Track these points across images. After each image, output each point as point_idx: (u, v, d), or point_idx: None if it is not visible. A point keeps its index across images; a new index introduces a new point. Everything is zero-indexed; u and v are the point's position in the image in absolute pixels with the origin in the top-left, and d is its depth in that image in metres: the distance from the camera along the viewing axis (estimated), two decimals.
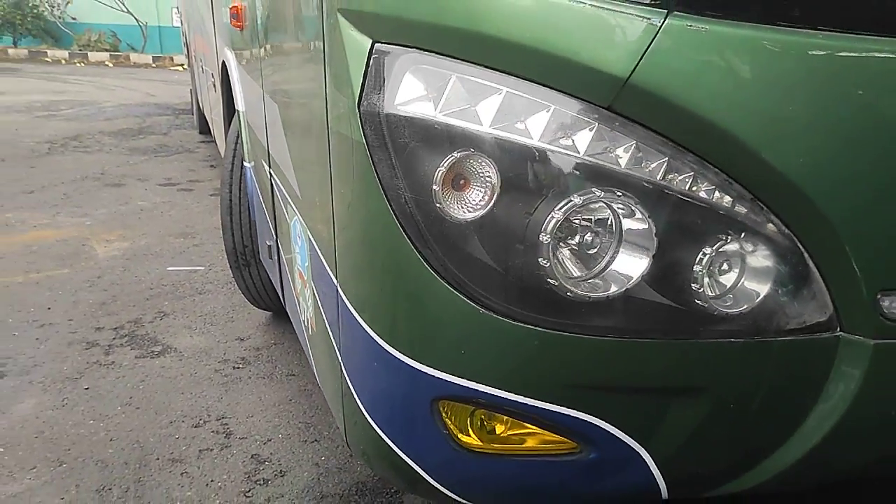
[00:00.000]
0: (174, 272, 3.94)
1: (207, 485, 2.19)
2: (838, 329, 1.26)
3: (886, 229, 1.18)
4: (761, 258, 1.20)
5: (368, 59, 1.17)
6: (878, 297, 1.23)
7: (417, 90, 1.14)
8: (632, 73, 1.06)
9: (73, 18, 18.51)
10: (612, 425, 1.26)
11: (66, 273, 3.89)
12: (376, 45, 1.17)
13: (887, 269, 1.21)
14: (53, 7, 18.37)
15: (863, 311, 1.23)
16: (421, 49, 1.14)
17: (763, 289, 1.21)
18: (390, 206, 1.17)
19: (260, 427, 2.50)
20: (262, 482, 2.21)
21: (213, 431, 2.46)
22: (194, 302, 3.54)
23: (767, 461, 1.36)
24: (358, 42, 1.19)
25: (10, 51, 17.72)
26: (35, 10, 18.12)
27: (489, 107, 1.11)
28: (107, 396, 2.67)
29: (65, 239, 4.44)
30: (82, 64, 17.14)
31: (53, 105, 10.06)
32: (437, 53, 1.13)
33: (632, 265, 1.16)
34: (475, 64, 1.11)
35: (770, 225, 1.17)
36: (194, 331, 3.23)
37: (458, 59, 1.12)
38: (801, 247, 1.19)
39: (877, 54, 1.10)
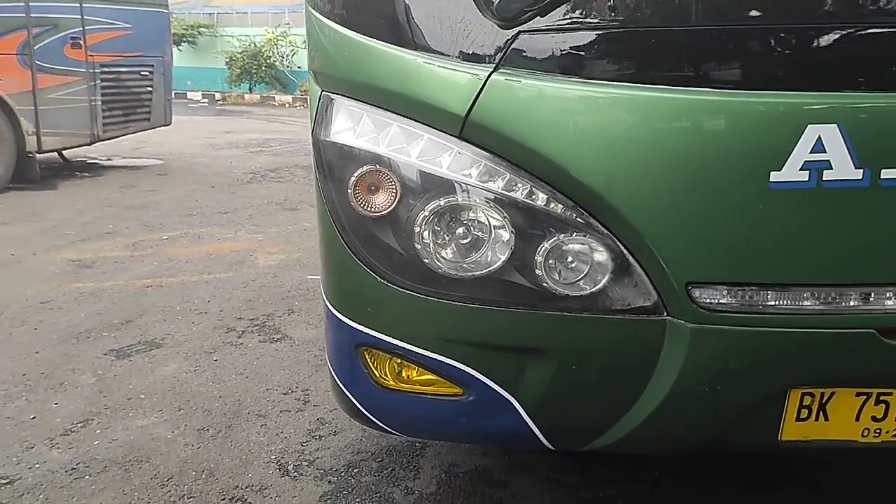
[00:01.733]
0: (311, 280, 4.67)
1: (277, 434, 2.79)
2: (665, 314, 1.58)
3: (685, 233, 1.51)
4: (588, 252, 1.56)
5: (318, 102, 1.71)
6: (689, 288, 1.54)
7: (343, 124, 1.65)
8: (469, 112, 1.50)
9: (299, 67, 20.85)
10: (482, 374, 1.67)
11: (230, 276, 4.76)
12: (323, 92, 1.70)
13: (691, 266, 1.53)
14: (283, 58, 20.85)
15: (679, 299, 1.55)
16: (347, 96, 1.65)
17: (591, 276, 1.57)
18: (326, 205, 1.69)
19: (332, 399, 3.06)
20: (317, 437, 2.77)
21: (295, 399, 3.08)
22: (318, 304, 4.23)
23: (620, 422, 1.68)
24: (316, 90, 1.73)
25: (246, 96, 20.36)
26: (268, 60, 20.68)
27: (386, 135, 1.60)
28: (228, 367, 3.38)
29: (238, 250, 5.37)
30: (303, 107, 19.24)
31: (266, 142, 11.58)
32: (356, 99, 1.64)
33: (493, 254, 1.59)
34: (377, 107, 1.61)
35: (592, 227, 1.54)
36: (310, 325, 3.91)
37: (368, 103, 1.62)
38: (619, 245, 1.55)
39: (655, 94, 1.46)
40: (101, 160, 9.67)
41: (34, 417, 2.91)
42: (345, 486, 2.46)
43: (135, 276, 4.75)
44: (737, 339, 1.57)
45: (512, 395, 1.68)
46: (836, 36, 1.44)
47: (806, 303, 1.56)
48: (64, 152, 8.88)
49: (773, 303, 1.56)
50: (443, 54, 1.53)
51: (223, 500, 2.39)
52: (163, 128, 9.60)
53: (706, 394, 1.62)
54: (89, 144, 8.67)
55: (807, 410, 1.66)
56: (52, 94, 7.90)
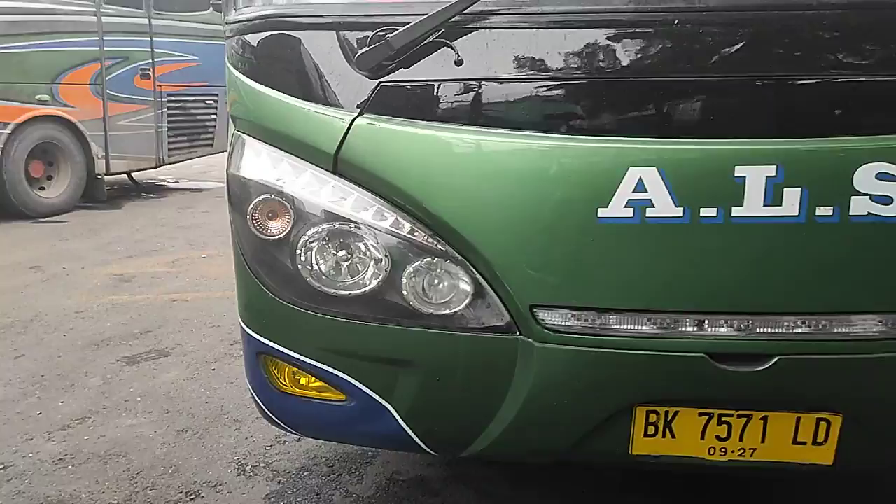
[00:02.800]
0: None
1: (246, 438, 3.05)
2: (517, 333, 1.76)
3: (526, 262, 1.67)
4: (448, 276, 1.75)
5: (231, 141, 1.96)
6: (533, 310, 1.72)
7: (247, 160, 1.90)
8: (338, 150, 1.72)
9: None
10: (361, 383, 1.87)
11: None
12: (235, 132, 1.96)
13: (534, 290, 1.69)
14: None
15: (526, 320, 1.72)
16: (252, 136, 1.90)
17: (451, 297, 1.76)
18: (232, 228, 1.94)
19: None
20: (281, 443, 3.01)
21: None
22: None
23: (485, 431, 1.85)
24: (231, 131, 1.99)
25: None
26: None
27: (278, 170, 1.84)
28: (222, 376, 3.67)
29: None
30: None
31: None
32: (257, 139, 1.89)
33: (365, 275, 1.80)
34: (272, 145, 1.85)
35: (449, 254, 1.73)
36: None
37: (266, 142, 1.87)
38: (474, 270, 1.73)
39: (496, 138, 1.65)
40: (168, 182, 10.31)
41: (40, 413, 3.26)
42: (291, 486, 2.68)
43: (165, 290, 5.14)
44: (580, 358, 1.72)
45: (388, 402, 1.88)
46: (655, 88, 1.61)
47: (643, 327, 1.70)
48: (133, 174, 9.53)
49: (613, 326, 1.71)
50: (319, 101, 1.76)
51: (181, 493, 2.65)
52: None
53: (556, 407, 1.78)
54: (155, 167, 9.29)
55: (653, 427, 1.79)
56: (122, 121, 8.54)
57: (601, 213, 1.61)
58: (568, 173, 1.63)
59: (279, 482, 2.71)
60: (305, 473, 2.77)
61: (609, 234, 1.63)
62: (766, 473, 1.97)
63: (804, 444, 1.77)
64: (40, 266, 5.74)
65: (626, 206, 1.60)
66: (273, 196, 1.82)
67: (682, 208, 1.60)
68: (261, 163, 1.86)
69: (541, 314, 1.72)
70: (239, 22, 1.86)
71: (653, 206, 1.60)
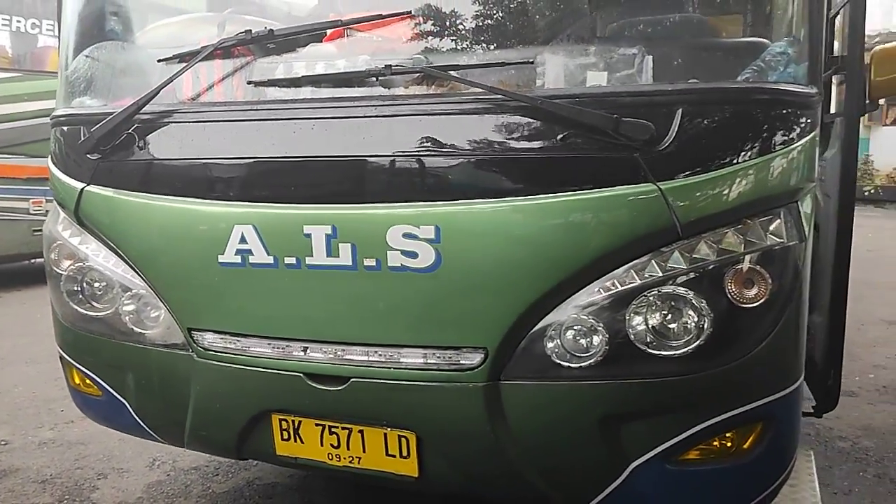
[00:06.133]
0: None
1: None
2: (189, 350, 2.31)
3: (180, 294, 2.25)
4: (148, 305, 2.35)
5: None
6: (191, 332, 2.27)
7: (50, 219, 2.65)
8: (76, 208, 2.40)
9: None
10: (105, 382, 2.50)
11: None
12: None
13: (188, 316, 2.25)
14: None
15: (190, 340, 2.28)
16: (56, 201, 2.65)
17: (148, 319, 2.35)
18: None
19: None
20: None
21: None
22: None
23: (186, 426, 2.38)
24: None
25: None
26: None
27: (61, 225, 2.54)
28: None
29: None
30: None
31: None
32: (57, 204, 2.63)
33: (99, 301, 2.45)
34: (59, 205, 2.59)
35: (147, 288, 2.33)
36: None
37: (59, 206, 2.61)
38: (159, 299, 2.33)
39: (156, 202, 2.24)
40: None
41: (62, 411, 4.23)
42: (174, 479, 3.35)
43: None
44: (223, 371, 2.25)
45: (123, 398, 2.50)
46: (252, 167, 2.14)
47: (265, 349, 2.20)
48: None
49: (245, 347, 2.22)
50: (73, 175, 2.44)
51: (94, 471, 3.42)
52: None
53: (213, 409, 2.31)
54: None
55: (287, 433, 2.25)
56: None
57: (220, 258, 2.15)
58: (198, 228, 2.19)
59: (168, 474, 3.39)
60: (192, 471, 3.42)
61: (228, 275, 2.16)
62: (376, 482, 2.29)
63: (395, 456, 2.13)
64: None
65: (235, 254, 2.13)
66: (56, 242, 2.52)
67: (272, 257, 2.09)
68: (55, 220, 2.57)
69: (196, 336, 2.27)
70: (52, 118, 2.62)
71: (253, 254, 2.11)
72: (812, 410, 2.96)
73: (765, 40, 2.04)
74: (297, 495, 3.18)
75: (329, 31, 2.19)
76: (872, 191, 17.85)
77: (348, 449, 2.19)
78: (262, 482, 3.30)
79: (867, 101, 2.76)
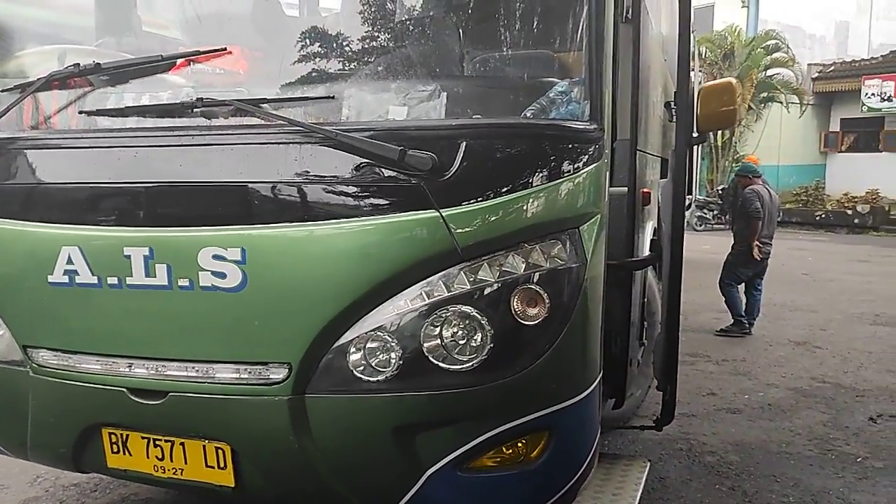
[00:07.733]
0: None
1: None
2: (27, 366, 2.41)
3: (14, 314, 2.36)
4: None
5: None
6: (25, 349, 2.37)
7: None
8: None
9: None
10: None
11: None
12: None
13: (23, 334, 2.35)
14: None
15: (26, 355, 2.38)
16: None
17: None
18: None
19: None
20: None
21: None
22: None
23: (28, 437, 2.49)
24: None
25: None
26: None
27: None
28: None
29: None
30: None
31: None
32: None
33: None
34: None
35: None
36: None
37: None
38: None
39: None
40: None
41: None
42: (52, 494, 3.42)
43: None
44: (55, 386, 2.35)
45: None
46: (77, 193, 2.25)
47: (93, 366, 2.30)
48: None
49: (75, 364, 2.32)
50: None
51: None
52: None
53: (48, 422, 2.41)
54: None
55: (116, 446, 2.35)
56: None
57: (50, 279, 2.26)
58: (30, 249, 2.30)
59: (47, 491, 3.47)
60: (72, 487, 3.50)
61: (58, 294, 2.27)
62: (198, 492, 2.41)
63: (213, 467, 2.25)
64: None
65: (63, 274, 2.24)
66: None
67: (96, 277, 2.21)
68: None
69: (31, 352, 2.38)
70: None
71: (79, 274, 2.22)
72: (654, 424, 3.12)
73: (554, 80, 2.20)
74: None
75: (156, 65, 2.33)
76: (823, 216, 18.27)
77: (172, 461, 2.29)
78: (138, 497, 3.39)
79: (696, 134, 2.95)
